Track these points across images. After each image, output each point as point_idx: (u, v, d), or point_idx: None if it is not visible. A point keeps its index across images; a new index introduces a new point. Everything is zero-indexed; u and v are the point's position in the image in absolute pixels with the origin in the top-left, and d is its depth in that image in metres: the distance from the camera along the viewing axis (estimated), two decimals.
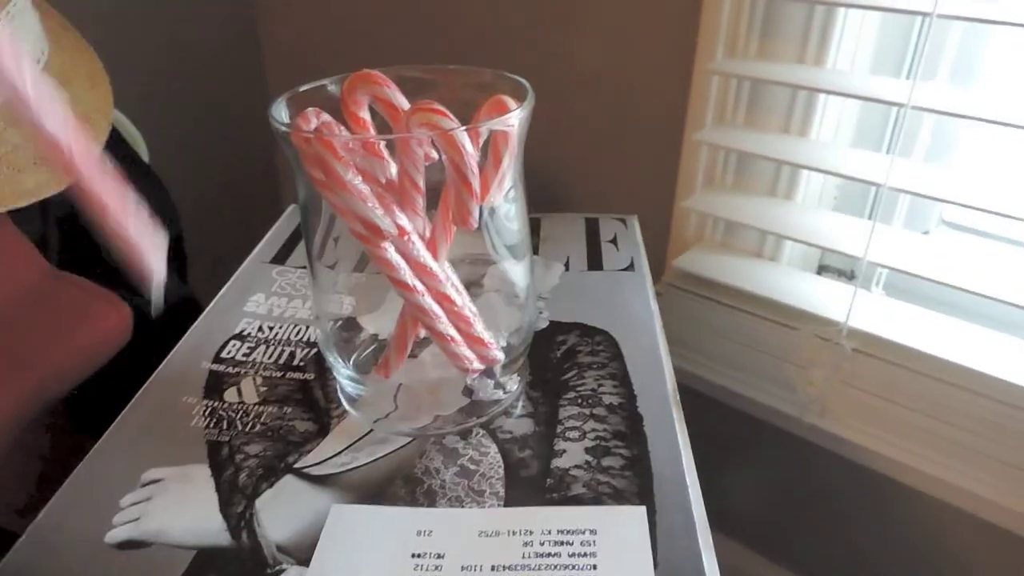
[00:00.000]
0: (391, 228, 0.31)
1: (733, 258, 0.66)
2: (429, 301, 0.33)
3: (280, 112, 0.32)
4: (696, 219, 0.68)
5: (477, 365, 0.35)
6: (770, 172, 0.64)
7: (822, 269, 0.68)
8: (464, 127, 0.29)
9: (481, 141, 0.31)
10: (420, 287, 0.33)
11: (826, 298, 0.60)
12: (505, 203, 0.34)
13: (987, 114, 0.48)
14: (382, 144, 0.32)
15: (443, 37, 0.76)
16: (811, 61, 0.58)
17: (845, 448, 0.61)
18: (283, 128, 0.30)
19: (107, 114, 0.48)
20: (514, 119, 0.30)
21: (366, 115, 0.35)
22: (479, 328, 0.35)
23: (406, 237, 0.32)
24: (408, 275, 0.33)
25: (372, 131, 0.35)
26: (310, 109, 0.33)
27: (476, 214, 0.31)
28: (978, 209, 0.49)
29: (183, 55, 0.84)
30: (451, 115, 0.29)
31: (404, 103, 0.33)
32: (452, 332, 0.34)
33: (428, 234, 0.33)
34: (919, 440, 0.58)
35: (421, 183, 0.32)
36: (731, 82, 0.61)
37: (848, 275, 0.66)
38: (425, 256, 0.33)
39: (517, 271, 0.37)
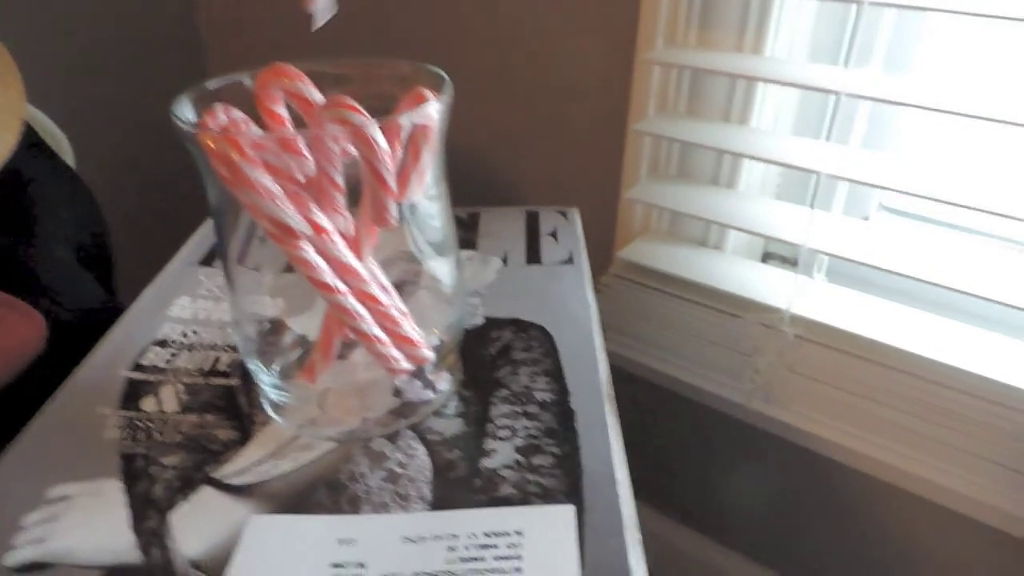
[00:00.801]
0: (304, 227, 0.30)
1: (678, 248, 0.66)
2: (352, 301, 0.32)
3: (184, 110, 0.30)
4: (641, 210, 0.67)
5: (405, 365, 0.34)
6: (713, 161, 0.64)
7: (767, 257, 0.69)
8: (376, 122, 0.28)
9: (403, 136, 0.30)
10: (342, 287, 0.32)
11: (769, 286, 0.61)
12: (427, 200, 0.33)
13: (919, 100, 0.48)
14: (301, 141, 0.31)
15: (376, 30, 0.75)
16: (749, 50, 0.57)
17: (791, 433, 0.61)
18: (187, 127, 0.29)
19: (19, 114, 0.46)
20: (430, 112, 0.29)
21: (282, 110, 0.34)
22: (407, 327, 0.34)
23: (324, 235, 0.31)
24: (328, 275, 0.32)
25: (289, 127, 0.33)
26: (218, 105, 0.31)
27: (394, 212, 0.30)
28: (913, 195, 0.50)
29: (110, 51, 0.80)
30: (363, 111, 0.28)
31: (319, 98, 0.32)
32: (378, 332, 0.33)
33: (352, 232, 0.32)
34: (863, 424, 0.59)
35: (339, 180, 0.31)
36: (672, 72, 0.61)
37: (792, 263, 0.66)
38: (346, 255, 0.32)
39: (443, 269, 0.36)
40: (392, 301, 0.34)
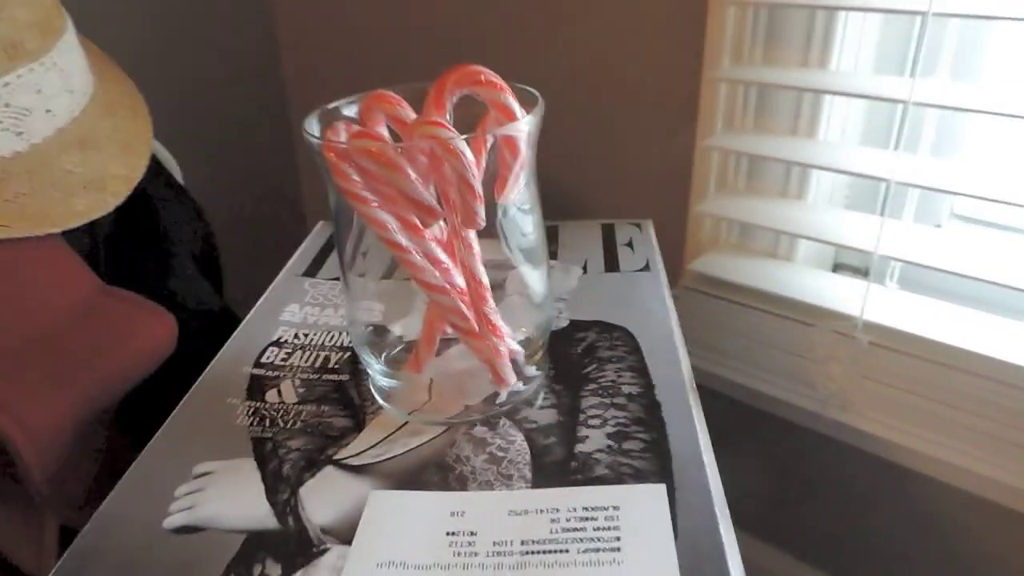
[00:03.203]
0: (436, 205, 0.33)
1: (748, 259, 0.68)
2: (453, 299, 0.36)
3: (312, 127, 0.34)
4: (710, 223, 0.69)
5: (511, 377, 0.37)
6: (781, 174, 0.65)
7: (837, 267, 0.70)
8: (461, 135, 0.31)
9: (488, 147, 0.34)
10: (443, 284, 0.35)
11: (841, 294, 0.62)
12: (518, 209, 0.36)
13: (986, 106, 0.49)
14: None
15: (455, 51, 0.79)
16: (815, 64, 0.59)
17: (867, 441, 0.62)
18: (315, 141, 0.33)
19: (147, 140, 0.51)
20: (515, 127, 0.33)
21: (384, 131, 0.37)
22: (498, 322, 0.37)
23: (422, 238, 0.35)
24: (430, 275, 0.35)
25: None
26: (339, 122, 0.35)
27: (481, 214, 0.33)
28: (983, 199, 0.51)
29: (211, 85, 0.88)
30: (448, 125, 0.32)
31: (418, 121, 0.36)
32: (474, 326, 0.36)
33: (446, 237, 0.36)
34: (940, 430, 0.59)
35: (431, 192, 0.34)
36: (739, 88, 0.63)
37: (863, 273, 0.67)
38: (441, 255, 0.35)
39: (534, 274, 0.39)
40: (491, 304, 0.37)
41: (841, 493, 0.70)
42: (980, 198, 0.51)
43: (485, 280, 0.36)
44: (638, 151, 0.70)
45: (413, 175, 0.32)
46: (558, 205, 0.76)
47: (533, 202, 0.37)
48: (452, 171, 0.32)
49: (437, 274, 0.36)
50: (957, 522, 0.63)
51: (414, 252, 0.35)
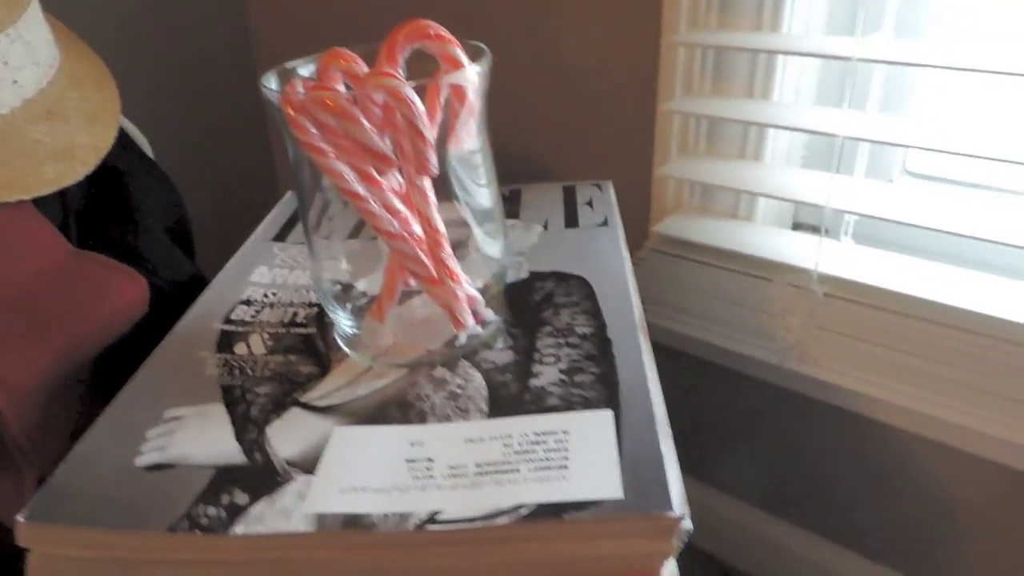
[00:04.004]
0: (386, 151, 0.34)
1: (710, 220, 0.70)
2: (410, 246, 0.37)
3: (270, 83, 0.36)
4: (673, 186, 0.71)
5: (468, 320, 0.39)
6: (738, 136, 0.67)
7: (796, 227, 0.72)
8: (410, 83, 0.33)
9: (442, 102, 0.36)
10: (401, 232, 0.37)
11: (797, 249, 0.64)
12: (471, 160, 0.38)
13: (928, 60, 0.51)
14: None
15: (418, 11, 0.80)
16: (768, 28, 0.61)
17: (824, 390, 0.64)
18: (273, 96, 0.34)
19: (114, 112, 0.52)
20: (464, 75, 0.34)
21: (341, 88, 0.39)
22: (455, 268, 0.38)
23: (379, 188, 0.37)
24: (388, 223, 0.37)
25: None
26: (297, 79, 0.37)
27: (433, 161, 0.35)
28: (927, 149, 0.53)
29: (180, 60, 0.89)
30: (401, 76, 0.34)
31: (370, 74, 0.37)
32: (432, 272, 0.38)
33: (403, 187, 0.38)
34: (896, 376, 0.61)
35: (386, 142, 0.36)
36: (696, 52, 0.65)
37: (820, 230, 0.69)
38: (399, 205, 0.37)
39: (488, 223, 0.40)
40: (447, 250, 0.39)
41: (800, 443, 0.73)
42: (924, 149, 0.53)
43: (441, 228, 0.38)
44: (600, 117, 0.72)
45: (366, 124, 0.34)
46: (522, 170, 0.78)
47: (485, 152, 0.39)
48: (403, 120, 0.34)
49: (395, 223, 0.37)
50: (914, 468, 0.66)
51: (372, 201, 0.37)
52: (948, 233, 0.55)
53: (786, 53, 0.57)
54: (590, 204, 0.55)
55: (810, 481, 0.74)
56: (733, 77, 0.65)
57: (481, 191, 0.40)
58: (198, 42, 0.91)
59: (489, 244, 0.41)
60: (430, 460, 0.32)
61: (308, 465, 0.33)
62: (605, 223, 0.52)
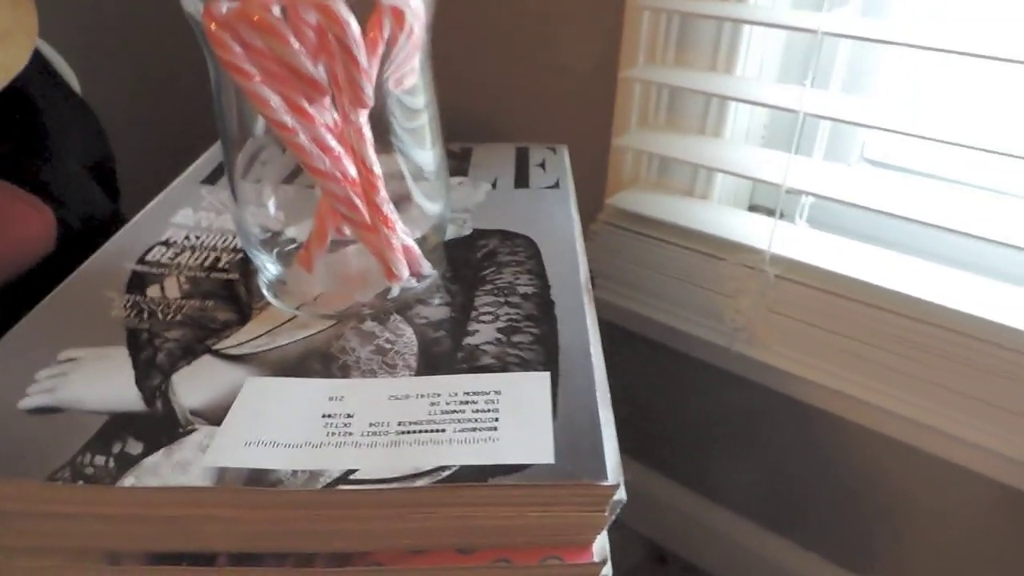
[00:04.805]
0: (321, 79, 0.31)
1: (666, 196, 0.68)
2: (344, 188, 0.34)
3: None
4: (631, 158, 0.69)
5: (403, 271, 0.36)
6: (700, 110, 0.66)
7: (753, 208, 0.71)
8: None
9: (385, 34, 0.32)
10: (334, 172, 0.34)
11: (751, 229, 0.63)
12: (411, 96, 0.35)
13: (895, 38, 0.50)
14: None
15: None
16: None
17: (772, 376, 0.63)
18: (192, 8, 0.31)
19: (30, 32, 0.48)
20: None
21: (277, 10, 0.35)
22: (391, 215, 0.36)
23: (312, 123, 0.33)
24: (320, 160, 0.34)
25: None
26: None
27: (368, 91, 0.32)
28: (891, 131, 0.52)
29: None
30: None
31: None
32: (366, 218, 0.35)
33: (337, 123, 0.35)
34: (844, 363, 0.61)
35: (320, 70, 0.33)
36: (661, 19, 0.63)
37: (775, 212, 0.68)
38: (332, 141, 0.34)
39: (426, 159, 0.38)
40: (383, 194, 0.36)
41: (745, 427, 0.72)
42: (887, 130, 0.52)
43: (377, 169, 0.35)
44: (559, 82, 0.70)
45: (297, 46, 0.31)
46: (476, 130, 0.75)
47: (428, 95, 0.36)
48: (336, 43, 0.31)
49: (326, 160, 0.34)
50: (858, 458, 0.66)
51: (301, 134, 0.33)
52: (901, 219, 0.54)
53: (751, 23, 0.56)
54: (542, 166, 0.53)
55: (754, 467, 0.74)
56: (697, 48, 0.63)
57: (422, 139, 0.37)
58: None
59: (429, 199, 0.38)
60: (348, 416, 0.30)
61: (214, 416, 0.30)
62: (556, 185, 0.50)
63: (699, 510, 0.80)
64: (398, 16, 0.32)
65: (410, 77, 0.35)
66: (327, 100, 0.34)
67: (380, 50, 0.33)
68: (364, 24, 0.31)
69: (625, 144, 0.65)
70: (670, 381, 0.75)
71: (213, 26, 0.31)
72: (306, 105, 0.33)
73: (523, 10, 0.68)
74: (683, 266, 0.66)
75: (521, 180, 0.51)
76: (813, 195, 0.57)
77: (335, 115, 0.35)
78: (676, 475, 0.81)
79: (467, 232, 0.44)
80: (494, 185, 0.50)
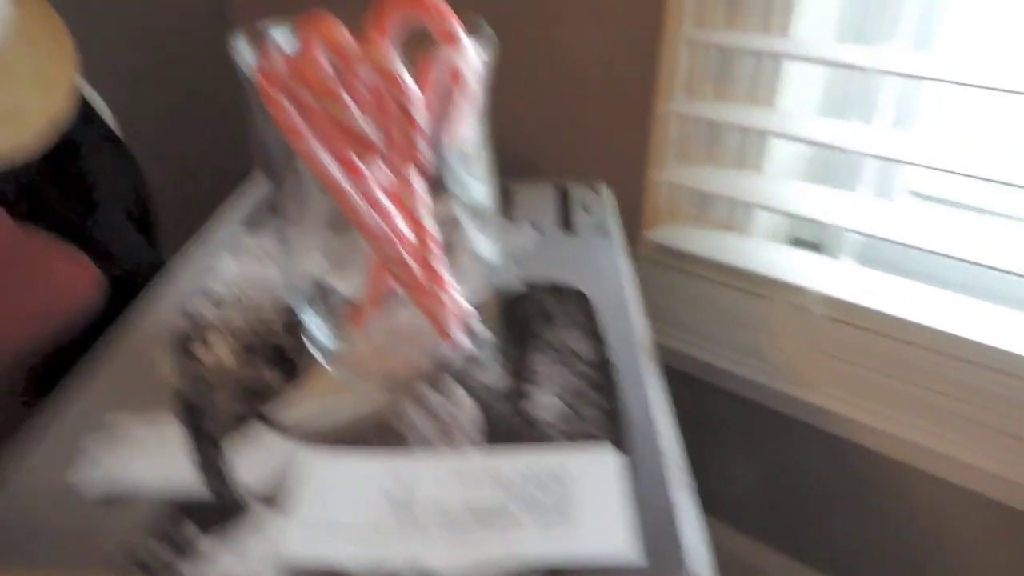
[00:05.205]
0: (374, 138, 0.30)
1: (705, 231, 0.67)
2: (398, 250, 0.33)
3: (243, 50, 0.31)
4: (668, 191, 0.68)
5: (446, 316, 0.35)
6: (739, 144, 0.64)
7: (794, 242, 0.69)
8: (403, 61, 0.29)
9: (437, 82, 0.31)
10: (387, 233, 0.33)
11: (798, 267, 0.61)
12: (469, 156, 0.34)
13: (947, 76, 0.49)
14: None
15: None
16: (776, 31, 0.58)
17: (817, 415, 0.62)
18: (245, 66, 0.30)
19: (71, 76, 0.47)
20: (462, 54, 0.30)
21: (321, 60, 0.34)
22: (448, 280, 0.35)
23: (363, 179, 0.32)
24: (374, 221, 0.33)
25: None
26: (272, 47, 0.32)
27: (424, 151, 0.31)
28: (940, 170, 0.50)
29: (152, 28, 0.83)
30: (391, 52, 0.29)
31: (356, 48, 0.33)
32: (421, 281, 0.34)
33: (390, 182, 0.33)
34: (890, 403, 0.59)
35: (372, 129, 0.31)
36: (700, 53, 0.62)
37: (818, 246, 0.67)
38: (385, 201, 0.33)
39: (483, 227, 0.37)
40: (437, 254, 0.35)
41: (787, 465, 0.71)
42: (939, 170, 0.50)
43: (432, 228, 0.34)
44: (596, 116, 0.68)
45: (353, 106, 0.30)
46: (514, 167, 0.74)
47: (483, 147, 0.35)
48: (393, 102, 0.30)
49: (378, 220, 0.33)
50: (905, 498, 0.64)
51: (354, 195, 0.32)
52: (954, 259, 0.52)
53: (801, 59, 0.54)
54: (586, 208, 0.52)
55: (795, 505, 0.72)
56: (738, 80, 0.62)
57: (477, 188, 0.36)
58: (169, 5, 0.84)
59: (483, 247, 0.37)
60: (415, 499, 0.28)
61: (272, 496, 0.29)
62: (603, 231, 0.49)
63: (741, 546, 0.78)
64: (456, 75, 0.30)
65: (465, 130, 0.33)
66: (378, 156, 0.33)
67: (431, 107, 0.32)
68: (413, 67, 0.30)
69: (663, 179, 0.64)
70: (707, 415, 0.73)
71: (266, 85, 0.30)
72: (358, 162, 0.32)
73: (559, 43, 0.67)
74: (723, 302, 0.65)
75: (565, 223, 0.50)
76: (862, 234, 0.55)
77: (386, 171, 0.34)
78: (715, 510, 0.79)
79: (515, 284, 0.42)
80: (538, 230, 0.49)
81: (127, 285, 0.44)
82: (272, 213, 0.50)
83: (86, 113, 0.51)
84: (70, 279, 0.40)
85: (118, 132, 0.54)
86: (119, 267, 0.44)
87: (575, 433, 0.31)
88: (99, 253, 0.43)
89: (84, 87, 0.55)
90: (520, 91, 0.70)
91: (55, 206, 0.45)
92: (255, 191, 0.53)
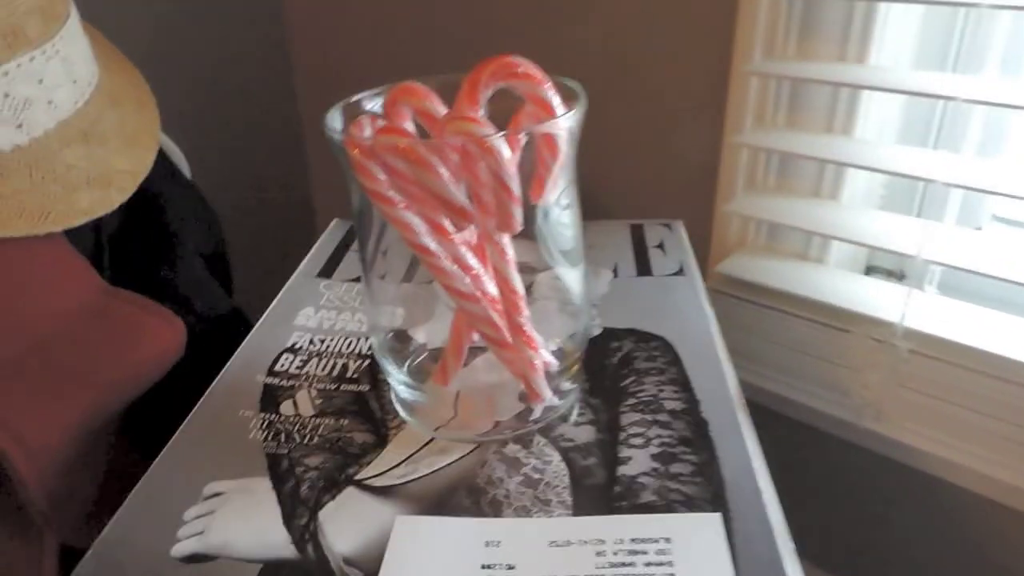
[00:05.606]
0: (468, 207, 0.30)
1: (778, 261, 0.65)
2: (485, 307, 0.33)
3: (334, 122, 0.32)
4: (738, 223, 0.66)
5: (546, 392, 0.34)
6: (813, 173, 0.62)
7: (869, 270, 0.67)
8: (496, 130, 0.28)
9: (522, 145, 0.31)
10: (474, 292, 0.33)
11: (879, 298, 0.59)
12: (558, 208, 0.34)
13: None
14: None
15: (471, 44, 0.76)
16: (852, 59, 0.57)
17: (902, 452, 0.59)
18: (336, 136, 0.30)
19: (154, 133, 0.48)
20: (559, 123, 0.30)
21: (410, 126, 0.34)
22: (532, 333, 0.34)
23: (451, 241, 0.32)
24: (460, 280, 0.32)
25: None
26: (363, 116, 0.33)
27: (519, 217, 0.30)
28: None
29: (219, 77, 0.85)
30: (485, 121, 0.29)
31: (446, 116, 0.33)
32: (506, 336, 0.34)
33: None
34: (980, 441, 0.56)
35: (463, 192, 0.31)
36: (770, 83, 0.60)
37: (897, 275, 0.64)
38: (472, 261, 0.33)
39: (571, 276, 0.36)
40: (524, 312, 0.34)
41: (872, 504, 0.68)
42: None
43: (520, 288, 0.33)
44: (664, 147, 0.67)
45: (444, 174, 0.30)
46: (583, 206, 0.74)
47: (573, 203, 0.35)
48: (487, 171, 0.29)
49: (467, 280, 0.33)
50: (994, 537, 0.61)
51: (443, 257, 0.32)
52: None
53: (878, 89, 0.53)
54: (661, 247, 0.51)
55: (880, 545, 0.69)
56: (811, 109, 0.61)
57: (567, 240, 0.36)
58: (235, 55, 0.87)
59: (568, 296, 0.37)
60: (511, 568, 0.28)
61: (368, 565, 0.28)
62: (681, 271, 0.48)
63: None
64: (550, 142, 0.30)
65: (555, 192, 0.33)
66: None
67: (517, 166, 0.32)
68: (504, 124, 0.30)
69: (733, 210, 0.63)
70: (788, 451, 0.71)
71: (358, 155, 0.30)
72: (448, 226, 0.32)
73: (626, 75, 0.67)
74: (800, 336, 0.63)
75: (642, 264, 0.49)
76: (950, 266, 0.53)
77: (474, 230, 0.34)
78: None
79: (597, 332, 0.42)
80: (615, 272, 0.48)
81: (207, 334, 0.45)
82: (348, 260, 0.50)
83: (167, 166, 0.52)
84: (156, 334, 0.40)
85: (191, 177, 0.56)
86: (202, 319, 0.45)
87: (673, 496, 0.30)
88: (182, 305, 0.44)
89: (164, 139, 0.56)
90: (594, 131, 0.70)
91: (138, 259, 0.46)
92: (329, 238, 0.54)
